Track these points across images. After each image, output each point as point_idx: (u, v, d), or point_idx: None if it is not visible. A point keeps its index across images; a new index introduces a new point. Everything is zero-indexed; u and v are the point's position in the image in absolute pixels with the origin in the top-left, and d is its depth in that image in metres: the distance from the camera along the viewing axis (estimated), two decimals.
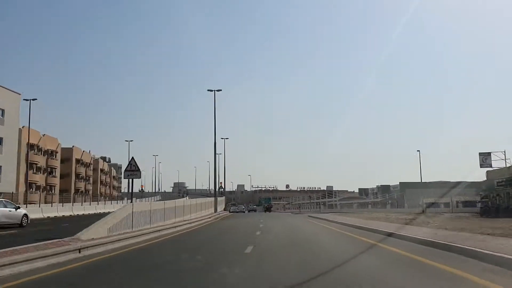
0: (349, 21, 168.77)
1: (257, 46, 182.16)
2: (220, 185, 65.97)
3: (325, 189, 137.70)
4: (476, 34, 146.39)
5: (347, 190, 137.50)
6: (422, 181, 64.78)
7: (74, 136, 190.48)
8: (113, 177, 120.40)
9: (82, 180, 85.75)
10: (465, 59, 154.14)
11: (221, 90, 43.32)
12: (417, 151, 65.12)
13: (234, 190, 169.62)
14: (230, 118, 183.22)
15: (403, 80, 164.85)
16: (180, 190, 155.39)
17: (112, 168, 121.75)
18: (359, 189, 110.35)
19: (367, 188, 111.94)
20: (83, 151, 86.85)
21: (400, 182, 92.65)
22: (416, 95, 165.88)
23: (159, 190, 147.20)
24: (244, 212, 74.85)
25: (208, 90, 43.14)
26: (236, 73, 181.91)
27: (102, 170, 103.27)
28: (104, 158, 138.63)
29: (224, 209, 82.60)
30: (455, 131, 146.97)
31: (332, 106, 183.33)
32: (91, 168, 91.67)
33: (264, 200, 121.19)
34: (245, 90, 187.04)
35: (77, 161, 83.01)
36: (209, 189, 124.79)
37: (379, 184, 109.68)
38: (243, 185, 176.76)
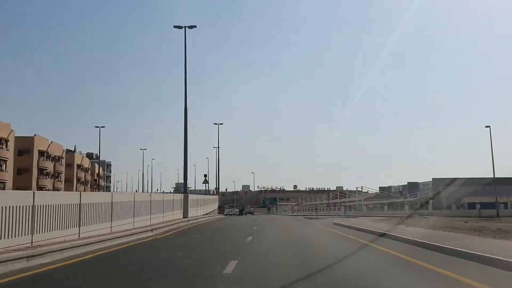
0: (350, 19, 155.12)
1: (262, 46, 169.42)
2: (205, 179, 49.90)
3: (335, 189, 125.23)
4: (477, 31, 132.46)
5: (361, 190, 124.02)
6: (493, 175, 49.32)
7: (72, 138, 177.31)
8: (97, 174, 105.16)
9: (49, 176, 71.10)
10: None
11: (195, 26, 28.26)
12: (486, 126, 49.58)
13: (238, 190, 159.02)
14: (235, 118, 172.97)
15: (404, 77, 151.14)
16: (177, 191, 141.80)
17: (97, 165, 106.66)
18: (379, 187, 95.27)
19: (390, 186, 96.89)
20: (51, 142, 72.18)
21: (433, 178, 77.71)
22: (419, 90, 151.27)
23: (152, 190, 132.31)
24: (237, 215, 61.02)
25: (174, 26, 28.12)
26: (240, 73, 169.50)
27: (80, 166, 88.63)
28: (90, 155, 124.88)
29: (219, 212, 67.97)
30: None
31: (332, 106, 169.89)
32: (62, 163, 76.97)
33: (269, 201, 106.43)
34: (248, 91, 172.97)
35: (41, 153, 68.36)
36: (208, 189, 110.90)
37: (402, 182, 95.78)
38: (248, 186, 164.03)
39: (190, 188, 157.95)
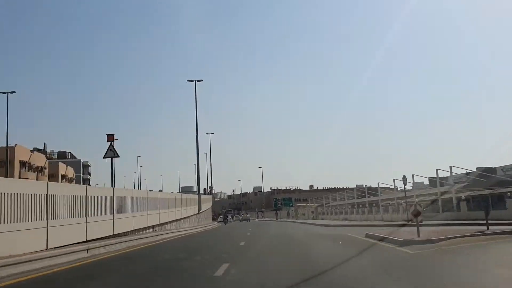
0: (350, 19, 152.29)
1: (270, 47, 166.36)
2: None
3: (355, 187, 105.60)
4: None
5: (388, 187, 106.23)
6: None
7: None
8: (63, 176, 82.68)
9: None
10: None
11: None
12: None
13: (247, 192, 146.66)
14: (245, 118, 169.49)
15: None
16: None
17: (62, 164, 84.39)
18: (429, 180, 72.35)
19: (446, 177, 73.26)
20: None
21: None
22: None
23: None
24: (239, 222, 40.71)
25: None
26: (249, 73, 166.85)
27: (26, 164, 66.08)
28: (62, 153, 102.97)
29: (213, 219, 47.79)
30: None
31: (336, 105, 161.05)
32: None
33: (282, 202, 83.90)
34: (256, 91, 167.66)
35: None
36: (208, 189, 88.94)
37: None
38: (260, 187, 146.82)
39: (195, 192, 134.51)
